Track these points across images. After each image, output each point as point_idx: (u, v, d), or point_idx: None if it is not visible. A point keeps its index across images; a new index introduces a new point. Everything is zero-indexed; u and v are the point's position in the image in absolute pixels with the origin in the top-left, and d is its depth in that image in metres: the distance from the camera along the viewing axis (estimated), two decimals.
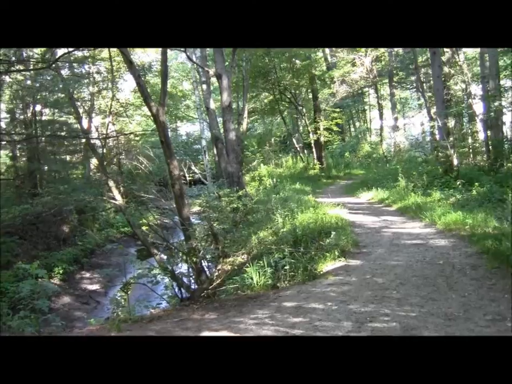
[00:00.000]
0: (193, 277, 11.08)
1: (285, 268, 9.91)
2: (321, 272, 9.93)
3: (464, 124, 25.75)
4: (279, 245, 11.00)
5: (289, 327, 6.79)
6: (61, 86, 20.41)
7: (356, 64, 32.28)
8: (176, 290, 10.45)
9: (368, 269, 9.61)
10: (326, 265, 10.27)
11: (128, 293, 15.66)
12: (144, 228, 14.94)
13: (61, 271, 17.33)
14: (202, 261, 11.08)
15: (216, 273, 10.23)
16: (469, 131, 22.85)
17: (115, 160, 27.94)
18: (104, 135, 18.24)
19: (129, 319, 8.58)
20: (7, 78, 22.55)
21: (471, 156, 22.37)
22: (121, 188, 16.40)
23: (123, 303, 10.47)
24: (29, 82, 22.51)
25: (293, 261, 10.13)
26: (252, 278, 9.75)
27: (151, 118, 14.15)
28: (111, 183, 13.45)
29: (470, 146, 22.15)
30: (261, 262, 10.20)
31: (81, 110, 22.71)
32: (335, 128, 34.19)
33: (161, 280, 10.68)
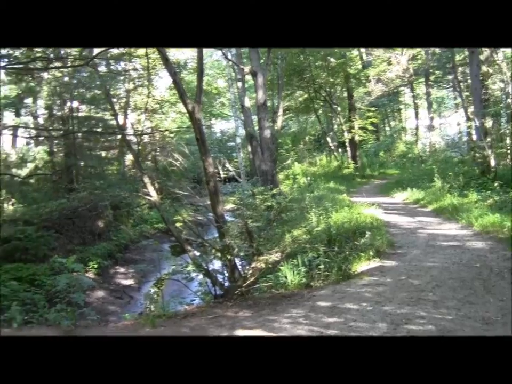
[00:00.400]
0: (227, 274, 11.12)
1: (319, 267, 9.86)
2: (356, 272, 9.87)
3: (502, 124, 25.31)
4: (313, 243, 10.95)
5: (324, 327, 6.77)
6: (98, 82, 20.61)
7: (391, 63, 31.97)
8: (210, 287, 10.47)
9: (404, 270, 9.51)
10: (360, 266, 10.21)
11: (161, 288, 15.81)
12: (178, 224, 15.03)
13: (95, 266, 17.50)
14: (235, 258, 11.10)
15: (250, 271, 10.22)
16: (507, 131, 22.45)
17: (150, 156, 28.13)
18: (140, 132, 18.39)
19: (163, 315, 8.63)
20: (45, 75, 22.88)
21: (509, 157, 21.98)
22: (156, 184, 16.47)
23: (157, 298, 10.54)
24: (66, 79, 22.74)
25: (327, 260, 10.07)
26: (286, 277, 9.74)
27: (187, 115, 14.22)
28: (146, 179, 13.55)
29: (508, 147, 21.76)
30: (295, 260, 10.18)
31: (117, 107, 22.91)
32: (369, 127, 33.92)
33: (194, 277, 10.73)
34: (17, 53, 16.57)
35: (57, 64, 18.91)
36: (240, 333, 7.03)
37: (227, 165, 25.20)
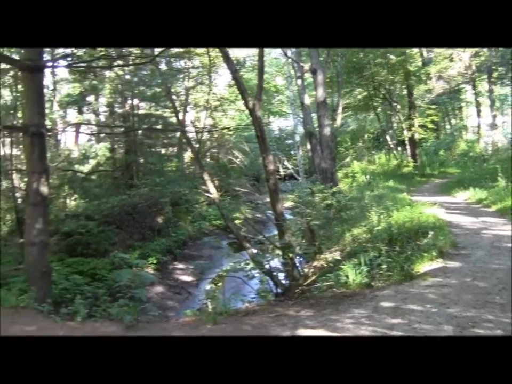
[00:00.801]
0: (286, 272, 11.07)
1: (381, 266, 9.70)
2: (418, 273, 9.66)
3: None
4: (374, 243, 10.80)
5: (388, 328, 6.64)
6: (158, 80, 20.83)
7: (453, 60, 31.30)
8: (271, 285, 10.44)
9: (468, 271, 9.26)
10: (423, 266, 9.99)
11: (219, 285, 15.86)
12: (236, 222, 15.05)
13: (154, 261, 17.70)
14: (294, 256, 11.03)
15: (312, 270, 10.14)
16: None
17: (209, 154, 28.30)
18: (202, 129, 18.48)
19: (224, 312, 8.62)
20: (107, 73, 23.28)
21: None
22: (216, 182, 16.54)
23: (217, 295, 10.55)
24: (128, 77, 23.07)
25: (389, 260, 9.90)
26: (347, 276, 9.62)
27: (245, 112, 14.22)
28: (206, 176, 13.61)
29: None
30: (355, 259, 10.05)
31: (176, 104, 23.10)
32: (430, 125, 33.30)
33: (255, 275, 10.71)
34: (80, 52, 16.86)
35: (120, 62, 19.16)
36: (303, 332, 6.97)
37: (285, 163, 25.06)
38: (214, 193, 13.39)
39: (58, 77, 26.80)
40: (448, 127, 47.74)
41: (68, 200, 20.68)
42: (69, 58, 16.54)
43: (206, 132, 23.63)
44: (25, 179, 17.92)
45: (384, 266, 9.67)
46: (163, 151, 27.28)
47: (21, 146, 20.41)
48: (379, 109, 37.59)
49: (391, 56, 30.71)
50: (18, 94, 19.28)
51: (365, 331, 6.67)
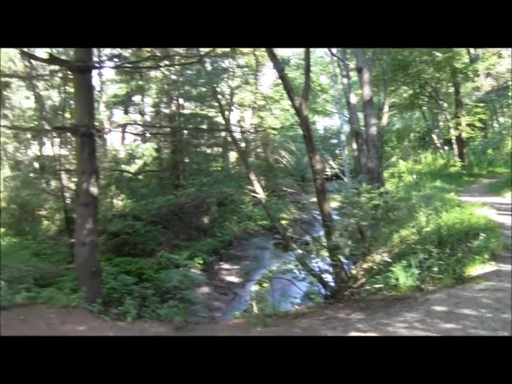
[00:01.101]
0: (334, 274, 10.92)
1: (432, 269, 9.47)
2: (471, 276, 9.41)
3: None
4: (423, 244, 10.57)
5: (441, 333, 6.45)
6: (203, 80, 20.86)
7: (502, 56, 30.59)
8: (319, 287, 10.31)
9: None
10: (475, 269, 9.71)
11: (265, 286, 15.78)
12: (283, 222, 14.96)
13: (200, 261, 17.72)
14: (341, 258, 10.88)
15: (361, 272, 9.98)
16: None
17: (253, 153, 28.26)
18: (249, 128, 18.42)
19: (273, 314, 8.53)
20: (152, 73, 23.43)
21: None
22: (262, 181, 16.47)
23: (265, 297, 10.48)
24: (174, 77, 23.16)
25: (440, 262, 9.66)
26: (397, 278, 9.42)
27: (290, 112, 14.12)
28: (252, 176, 13.53)
29: None
30: (404, 261, 9.84)
31: (222, 104, 23.13)
32: (477, 124, 32.59)
33: (304, 277, 10.60)
34: (127, 52, 16.99)
35: (166, 62, 19.23)
36: (353, 335, 6.84)
37: (330, 162, 24.89)
38: (260, 193, 13.31)
39: (105, 77, 27.12)
40: (496, 125, 46.73)
41: (114, 200, 20.86)
42: (116, 59, 16.68)
43: (252, 131, 23.59)
44: (74, 179, 18.23)
45: (435, 269, 9.43)
46: (208, 151, 27.36)
47: (69, 146, 20.72)
48: (425, 108, 36.97)
49: (437, 54, 30.18)
50: (66, 95, 19.53)
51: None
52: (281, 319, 8.32)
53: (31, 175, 21.51)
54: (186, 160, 24.24)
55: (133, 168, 22.74)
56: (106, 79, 26.99)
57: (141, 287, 12.31)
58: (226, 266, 18.99)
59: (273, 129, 26.97)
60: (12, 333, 7.53)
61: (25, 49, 13.18)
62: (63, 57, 15.43)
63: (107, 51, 18.67)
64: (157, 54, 16.16)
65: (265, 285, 16.04)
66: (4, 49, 20.60)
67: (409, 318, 7.44)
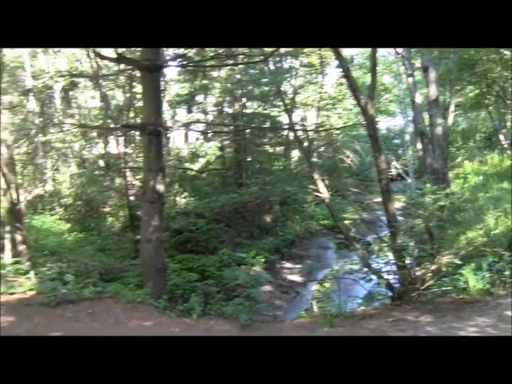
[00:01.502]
0: (401, 275, 10.71)
1: (503, 272, 9.19)
2: None
3: None
4: (492, 247, 10.26)
5: None
6: (266, 79, 20.88)
7: None
8: (385, 288, 10.12)
9: None
10: None
11: (327, 286, 15.66)
12: (345, 222, 14.80)
13: (262, 260, 17.65)
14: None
15: (429, 273, 9.74)
16: None
17: (316, 153, 28.10)
18: (312, 127, 18.31)
19: (340, 315, 8.42)
20: (215, 72, 23.55)
21: None
22: (326, 181, 16.33)
23: (325, 296, 10.37)
24: (238, 76, 23.22)
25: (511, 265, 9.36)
26: (465, 281, 9.17)
27: (353, 111, 13.95)
28: (316, 176, 13.43)
29: None
30: (472, 264, 9.57)
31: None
32: None
33: (371, 277, 10.44)
34: (191, 52, 17.11)
35: (230, 62, 19.29)
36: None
37: (394, 163, 24.55)
38: (324, 192, 13.19)
39: (168, 77, 27.40)
40: None
41: (178, 198, 21.04)
42: (180, 59, 16.81)
43: (314, 130, 23.42)
44: (138, 176, 18.49)
45: (506, 272, 9.15)
46: (271, 150, 27.33)
47: (132, 144, 21.04)
48: (492, 107, 36.06)
49: (506, 52, 29.36)
50: (130, 95, 19.83)
51: None
52: (347, 320, 8.21)
53: (97, 172, 21.92)
54: (249, 159, 24.28)
55: (196, 166, 22.90)
56: (170, 78, 27.27)
57: (204, 284, 12.36)
58: (288, 265, 18.92)
59: (337, 128, 26.76)
60: (80, 327, 7.67)
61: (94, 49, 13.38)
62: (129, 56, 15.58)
63: (171, 51, 18.83)
64: (221, 53, 16.21)
65: (326, 284, 15.92)
66: (70, 50, 21.10)
67: (481, 322, 7.25)
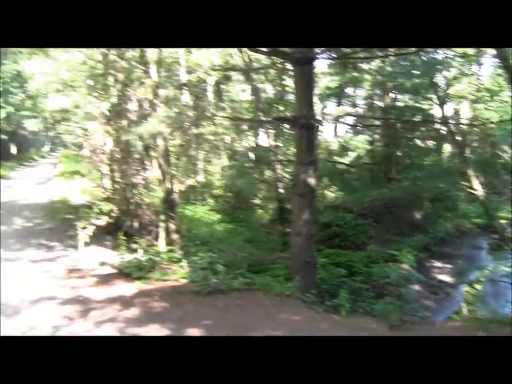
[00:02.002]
0: None
1: None
2: None
3: None
4: None
5: None
6: (418, 72, 20.28)
7: None
8: None
9: None
10: None
11: (479, 288, 14.96)
12: (501, 221, 14.10)
13: (411, 258, 17.24)
14: None
15: None
16: None
17: (469, 148, 26.97)
18: (468, 121, 17.55)
19: (496, 321, 7.95)
20: (365, 65, 23.18)
21: None
22: (481, 178, 15.62)
23: (476, 299, 9.89)
24: (389, 68, 22.73)
25: None
26: None
27: (509, 103, 13.21)
28: (470, 172, 12.87)
29: None
30: None
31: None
32: None
33: None
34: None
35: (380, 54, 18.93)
36: None
37: None
38: (478, 189, 12.60)
39: (318, 70, 27.37)
40: None
41: (326, 192, 21.01)
42: (331, 52, 16.71)
43: (469, 124, 22.49)
44: (287, 169, 18.62)
45: None
46: (422, 144, 26.58)
47: (283, 137, 21.21)
48: None
49: None
50: (281, 88, 19.99)
51: None
52: (503, 326, 7.74)
53: (247, 164, 22.30)
54: (399, 154, 23.73)
55: (345, 160, 22.75)
56: (320, 71, 27.23)
57: (352, 280, 12.22)
58: (437, 264, 18.29)
59: (492, 122, 25.51)
60: (229, 317, 7.80)
61: None
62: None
63: None
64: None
65: (478, 287, 15.23)
66: None
67: None
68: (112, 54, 13.80)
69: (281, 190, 18.99)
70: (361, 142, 24.29)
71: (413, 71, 21.70)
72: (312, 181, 10.29)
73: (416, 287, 15.75)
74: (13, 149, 45.67)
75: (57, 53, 16.61)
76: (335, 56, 15.65)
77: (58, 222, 15.54)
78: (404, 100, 25.93)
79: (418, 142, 24.58)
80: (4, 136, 39.44)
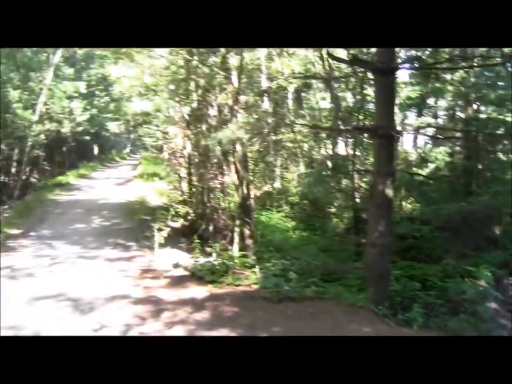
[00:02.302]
0: None
1: None
2: None
3: None
4: None
5: None
6: (503, 83, 19.78)
7: None
8: None
9: None
10: None
11: None
12: None
13: (488, 274, 16.75)
14: None
15: None
16: None
17: None
18: None
19: None
20: (448, 75, 22.74)
21: None
22: None
23: None
24: (472, 79, 22.23)
25: None
26: None
27: None
28: None
29: None
30: None
31: None
32: None
33: None
34: (424, 54, 16.71)
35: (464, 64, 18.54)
36: None
37: None
38: None
39: (399, 79, 27.04)
40: None
41: (403, 203, 20.73)
42: (413, 62, 16.50)
43: None
44: (365, 179, 18.47)
45: None
46: (505, 158, 25.83)
47: (361, 147, 21.03)
48: None
49: None
50: (361, 97, 19.83)
51: None
52: None
53: (324, 173, 22.23)
54: (481, 167, 23.14)
55: (424, 171, 22.36)
56: (401, 81, 26.89)
57: (426, 294, 11.98)
58: None
59: None
60: (300, 325, 7.79)
61: (327, 50, 13.54)
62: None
63: (403, 52, 18.55)
64: (456, 55, 15.59)
65: None
66: (303, 52, 21.67)
67: None
68: (195, 60, 14.05)
69: (357, 200, 18.84)
70: (441, 154, 23.75)
71: (497, 83, 21.20)
72: (389, 192, 10.17)
73: (493, 304, 15.30)
74: (95, 150, 47.16)
75: (141, 58, 17.05)
76: (418, 66, 15.45)
77: (136, 223, 15.96)
78: (487, 111, 25.29)
79: (500, 155, 23.91)
80: (87, 137, 40.86)
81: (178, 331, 7.17)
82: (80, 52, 35.84)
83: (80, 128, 37.03)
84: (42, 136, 31.86)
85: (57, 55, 32.04)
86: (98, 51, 24.00)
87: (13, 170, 32.75)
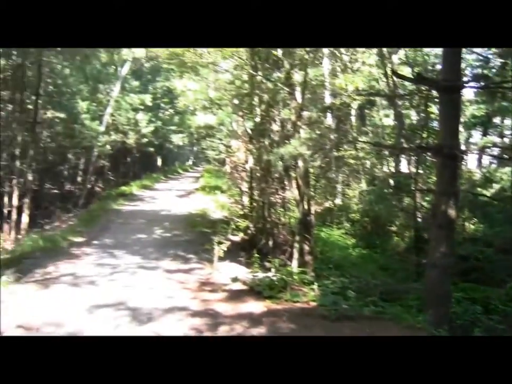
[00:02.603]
0: None
1: None
2: None
3: None
4: None
5: None
6: None
7: None
8: None
9: None
10: None
11: None
12: None
13: None
14: None
15: None
16: None
17: None
18: None
19: None
20: None
21: None
22: None
23: None
24: None
25: None
26: None
27: None
28: None
29: None
30: None
31: None
32: None
33: None
34: (490, 73, 16.44)
35: None
36: None
37: None
38: None
39: (464, 97, 26.64)
40: None
41: (467, 224, 20.35)
42: (480, 80, 16.26)
43: None
44: (427, 198, 18.20)
45: None
46: None
47: (423, 165, 20.77)
48: None
49: None
50: (425, 115, 19.62)
51: None
52: None
53: (386, 190, 22.03)
54: None
55: (489, 192, 21.95)
56: (466, 99, 26.50)
57: (488, 318, 11.71)
58: None
59: None
60: None
61: (392, 68, 13.47)
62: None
63: (468, 70, 18.31)
64: None
65: None
66: (367, 68, 21.63)
67: None
68: (259, 75, 14.18)
69: (419, 219, 18.58)
70: (506, 174, 23.26)
71: None
72: (452, 212, 10.00)
73: None
74: (159, 162, 47.92)
75: (206, 72, 17.32)
76: (484, 84, 15.20)
77: (196, 235, 16.10)
78: None
79: None
80: (151, 149, 41.60)
81: None
82: (147, 65, 36.82)
83: (144, 140, 37.90)
84: (108, 147, 32.80)
85: (125, 68, 32.91)
86: (165, 64, 24.29)
87: (79, 179, 33.71)
